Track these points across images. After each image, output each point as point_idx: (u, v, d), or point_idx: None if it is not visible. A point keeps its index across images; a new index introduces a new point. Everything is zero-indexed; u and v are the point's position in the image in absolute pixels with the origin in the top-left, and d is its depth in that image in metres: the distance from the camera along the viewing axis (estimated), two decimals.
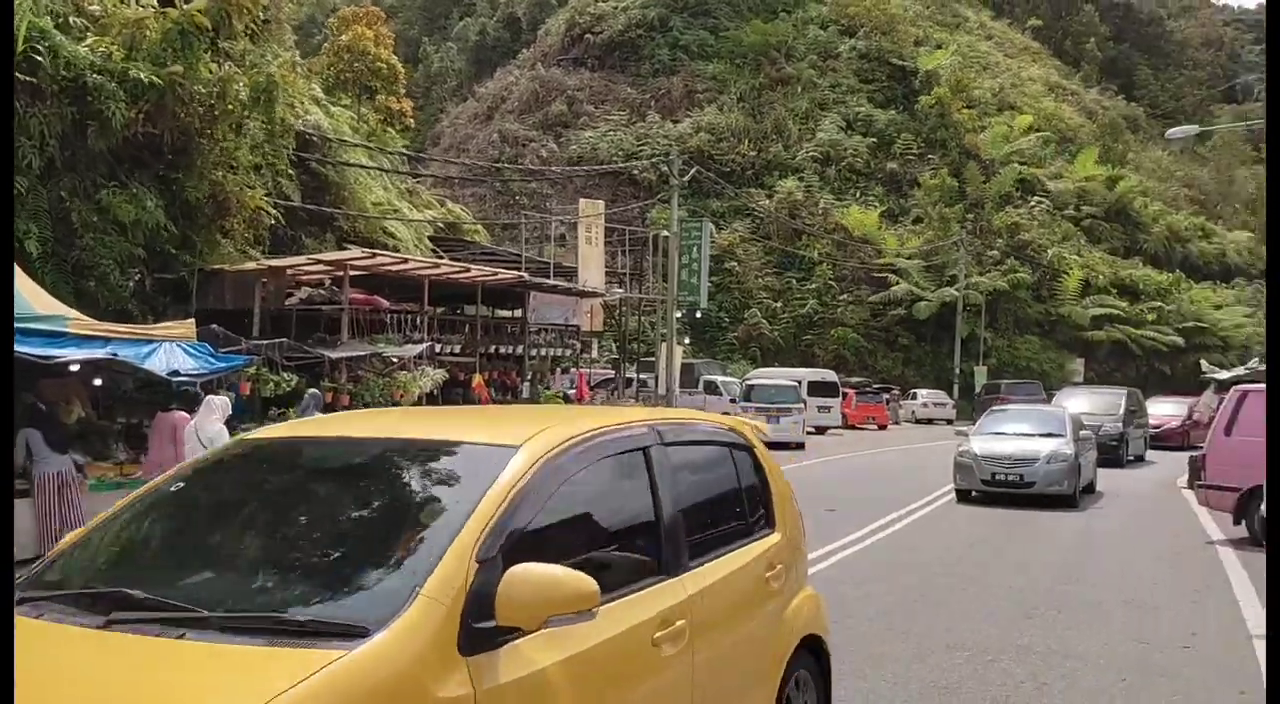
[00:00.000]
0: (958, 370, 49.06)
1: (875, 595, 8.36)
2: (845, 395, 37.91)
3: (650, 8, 67.45)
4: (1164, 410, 29.17)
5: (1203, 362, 32.62)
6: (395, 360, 15.09)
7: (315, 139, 19.80)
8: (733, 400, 29.28)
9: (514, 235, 36.04)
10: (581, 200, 26.98)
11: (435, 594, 2.41)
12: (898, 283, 51.28)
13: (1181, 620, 7.63)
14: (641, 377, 33.44)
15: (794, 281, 52.51)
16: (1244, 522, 11.35)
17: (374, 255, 16.20)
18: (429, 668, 2.31)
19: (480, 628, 2.44)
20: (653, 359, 31.82)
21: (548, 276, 22.93)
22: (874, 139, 59.37)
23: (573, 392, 22.38)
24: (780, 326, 50.62)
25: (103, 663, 2.38)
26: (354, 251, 16.35)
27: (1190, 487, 14.81)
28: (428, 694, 2.28)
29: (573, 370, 23.73)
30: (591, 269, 26.17)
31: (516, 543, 2.67)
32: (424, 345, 15.80)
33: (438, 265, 18.16)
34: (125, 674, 2.31)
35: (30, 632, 2.50)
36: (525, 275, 18.58)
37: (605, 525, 3.34)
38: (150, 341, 10.05)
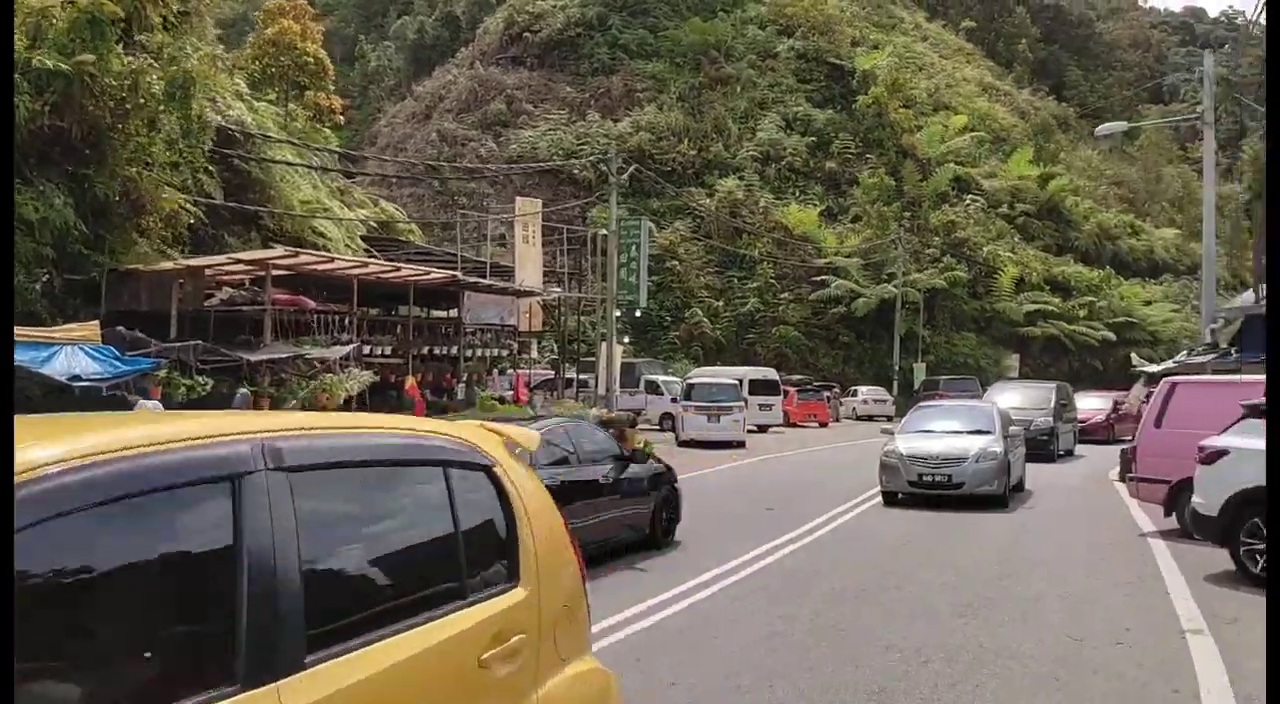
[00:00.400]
0: (897, 367, 49.56)
1: (808, 596, 8.17)
2: (786, 393, 37.98)
3: (589, 6, 67.16)
4: (1089, 404, 29.50)
5: (1133, 355, 33.26)
6: (319, 362, 14.59)
7: (238, 135, 19.16)
8: (674, 400, 29.14)
9: (453, 236, 35.49)
10: (518, 199, 26.59)
11: None
12: (837, 281, 51.63)
13: (1115, 616, 7.55)
14: (582, 377, 33.18)
15: (735, 280, 52.59)
16: (1174, 514, 11.42)
17: (297, 254, 15.67)
18: None
19: None
20: (593, 359, 31.54)
21: (484, 276, 22.53)
22: (813, 138, 59.75)
23: (510, 393, 22.02)
24: (722, 325, 50.68)
25: None
26: (276, 250, 15.81)
27: (1122, 479, 14.96)
28: None
29: (510, 371, 23.33)
30: (529, 268, 25.79)
31: None
32: (351, 346, 15.33)
33: (366, 265, 17.67)
34: None
35: None
36: (458, 274, 18.16)
37: (117, 608, 1.96)
38: (50, 345, 9.53)
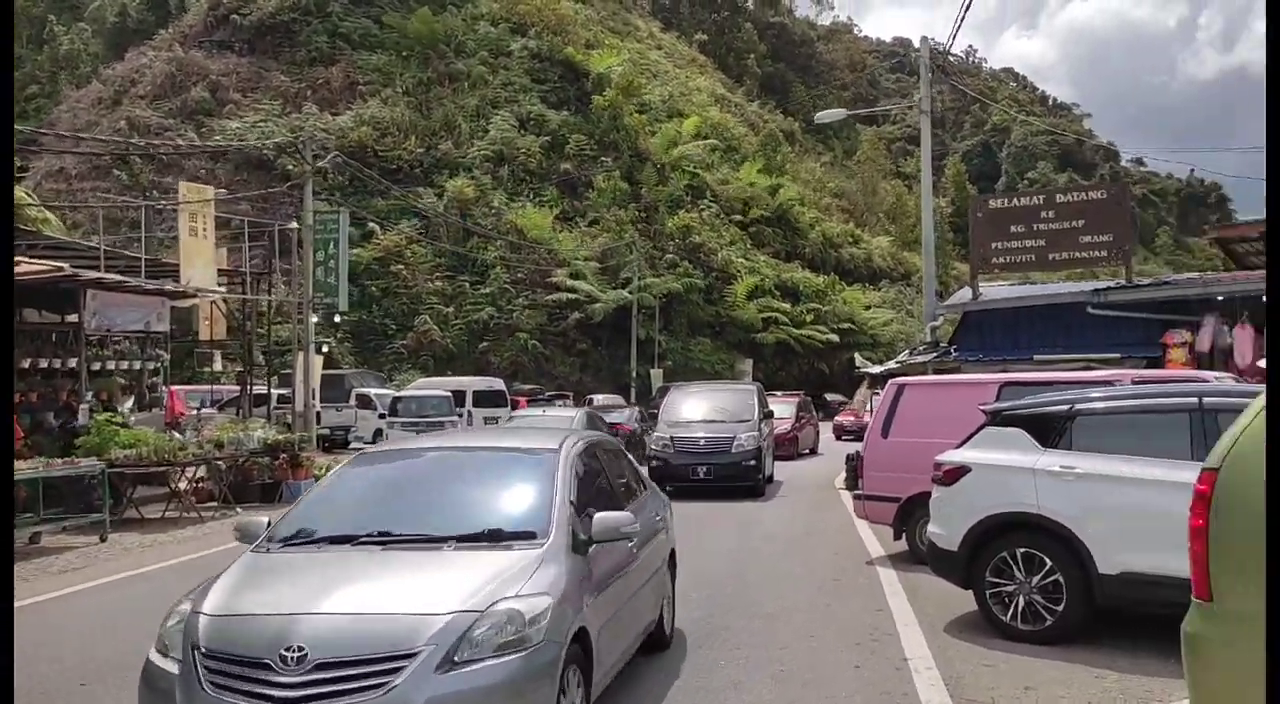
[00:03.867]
0: (634, 374, 48.57)
1: None
2: (516, 404, 35.74)
3: None
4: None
5: (857, 356, 33.47)
6: None
7: None
8: (381, 415, 25.99)
9: (138, 233, 30.41)
10: (183, 184, 22.47)
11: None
12: (574, 286, 49.97)
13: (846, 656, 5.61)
14: (283, 391, 29.27)
15: (467, 285, 49.73)
16: (905, 535, 9.92)
17: None
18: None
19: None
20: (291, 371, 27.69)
21: (139, 274, 18.46)
22: (547, 139, 57.90)
23: (163, 412, 18.15)
24: (454, 333, 47.63)
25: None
26: None
27: (849, 487, 13.64)
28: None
29: (162, 388, 19.38)
30: (198, 266, 21.71)
31: None
32: None
33: None
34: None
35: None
36: (65, 267, 14.31)
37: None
38: None
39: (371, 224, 47.37)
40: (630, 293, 49.53)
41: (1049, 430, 6.85)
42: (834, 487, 17.32)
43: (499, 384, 32.58)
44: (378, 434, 26.89)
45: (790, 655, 6.41)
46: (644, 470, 7.02)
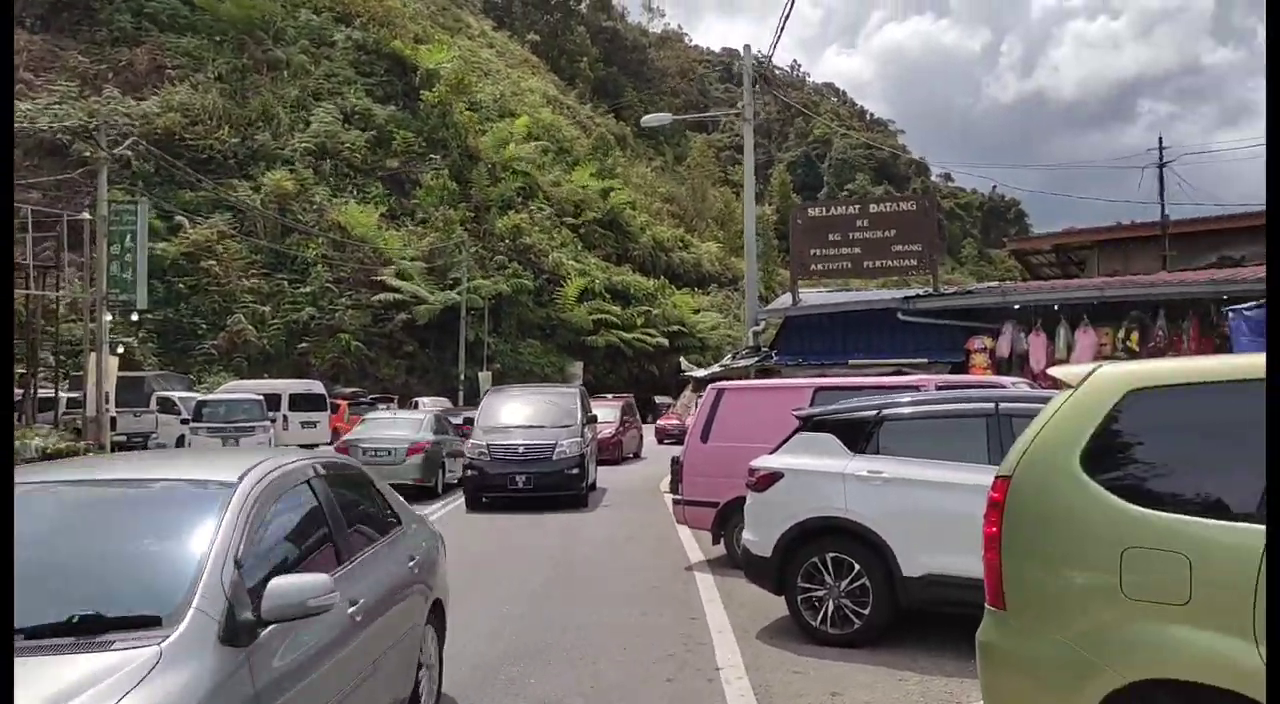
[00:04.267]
0: (462, 376, 47.65)
1: None
2: (337, 408, 34.34)
3: None
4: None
5: (682, 360, 33.91)
6: None
7: None
8: (185, 420, 24.35)
9: None
10: None
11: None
12: (400, 286, 48.54)
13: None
14: (74, 395, 27.03)
15: (286, 284, 47.42)
16: (723, 540, 9.95)
17: None
18: None
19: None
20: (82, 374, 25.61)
21: None
22: (373, 133, 56.07)
23: None
24: (271, 333, 45.32)
25: None
26: None
27: (673, 490, 13.66)
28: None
29: None
30: None
31: None
32: None
33: None
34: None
35: None
36: None
37: None
38: None
39: (180, 217, 44.53)
40: (459, 294, 48.58)
41: (858, 435, 6.94)
42: (659, 491, 17.36)
43: (318, 387, 31.18)
44: (180, 441, 25.18)
45: (602, 670, 6.22)
46: (399, 499, 5.49)
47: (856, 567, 6.61)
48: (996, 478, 3.77)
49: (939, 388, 8.68)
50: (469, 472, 15.52)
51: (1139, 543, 3.27)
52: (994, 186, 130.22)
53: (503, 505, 15.10)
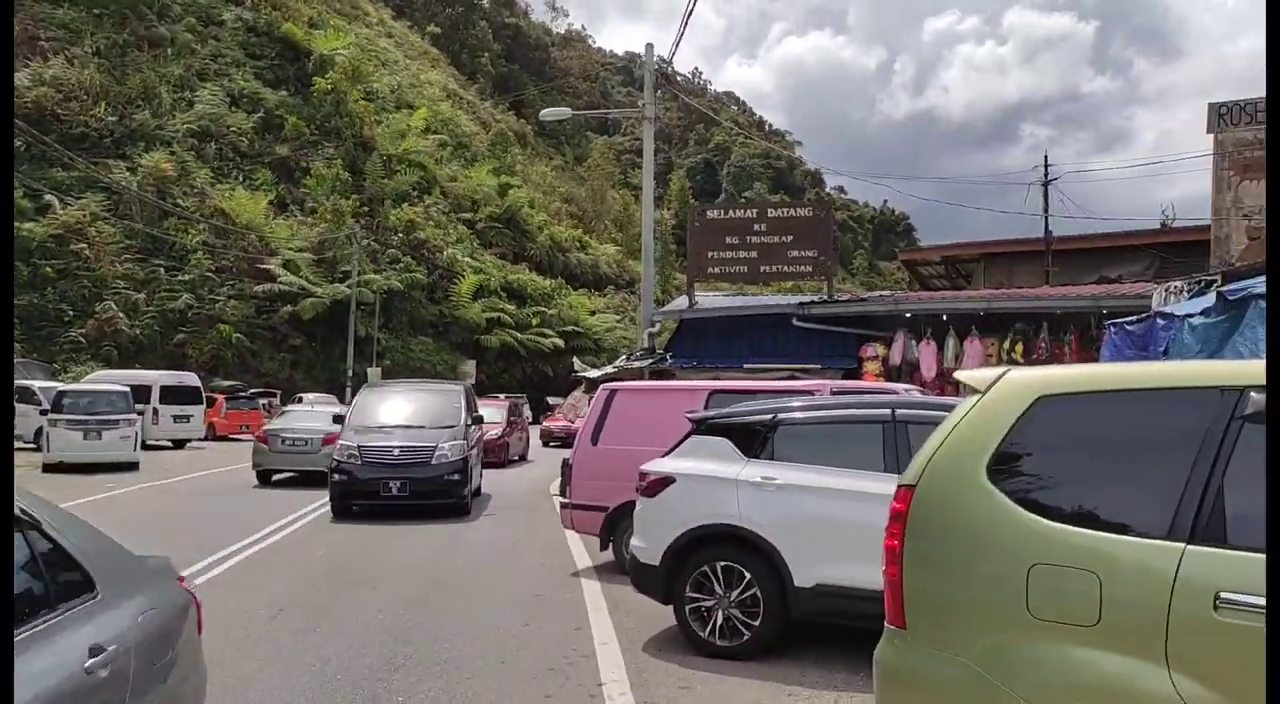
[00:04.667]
0: (350, 372, 46.23)
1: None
2: (213, 402, 32.87)
3: None
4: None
5: (575, 361, 33.55)
6: None
7: None
8: (44, 411, 22.80)
9: None
10: None
11: None
12: (286, 277, 46.81)
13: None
14: None
15: (163, 271, 45.15)
16: (612, 545, 9.64)
17: None
18: None
19: None
20: None
21: None
22: (261, 117, 54.01)
23: None
24: (144, 322, 43.06)
25: None
26: None
27: (563, 493, 13.27)
28: None
29: None
30: None
31: None
32: None
33: None
34: None
35: None
36: None
37: None
38: None
39: (49, 196, 42.03)
40: (349, 287, 47.14)
41: (752, 440, 6.73)
42: (549, 493, 16.95)
43: (192, 379, 29.79)
44: (39, 434, 23.59)
45: (477, 686, 5.82)
46: (113, 549, 3.58)
47: (748, 576, 6.39)
48: (899, 487, 3.54)
49: (834, 393, 8.56)
50: (336, 476, 13.81)
51: (1046, 559, 3.08)
52: (885, 201, 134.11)
53: (375, 514, 13.70)
